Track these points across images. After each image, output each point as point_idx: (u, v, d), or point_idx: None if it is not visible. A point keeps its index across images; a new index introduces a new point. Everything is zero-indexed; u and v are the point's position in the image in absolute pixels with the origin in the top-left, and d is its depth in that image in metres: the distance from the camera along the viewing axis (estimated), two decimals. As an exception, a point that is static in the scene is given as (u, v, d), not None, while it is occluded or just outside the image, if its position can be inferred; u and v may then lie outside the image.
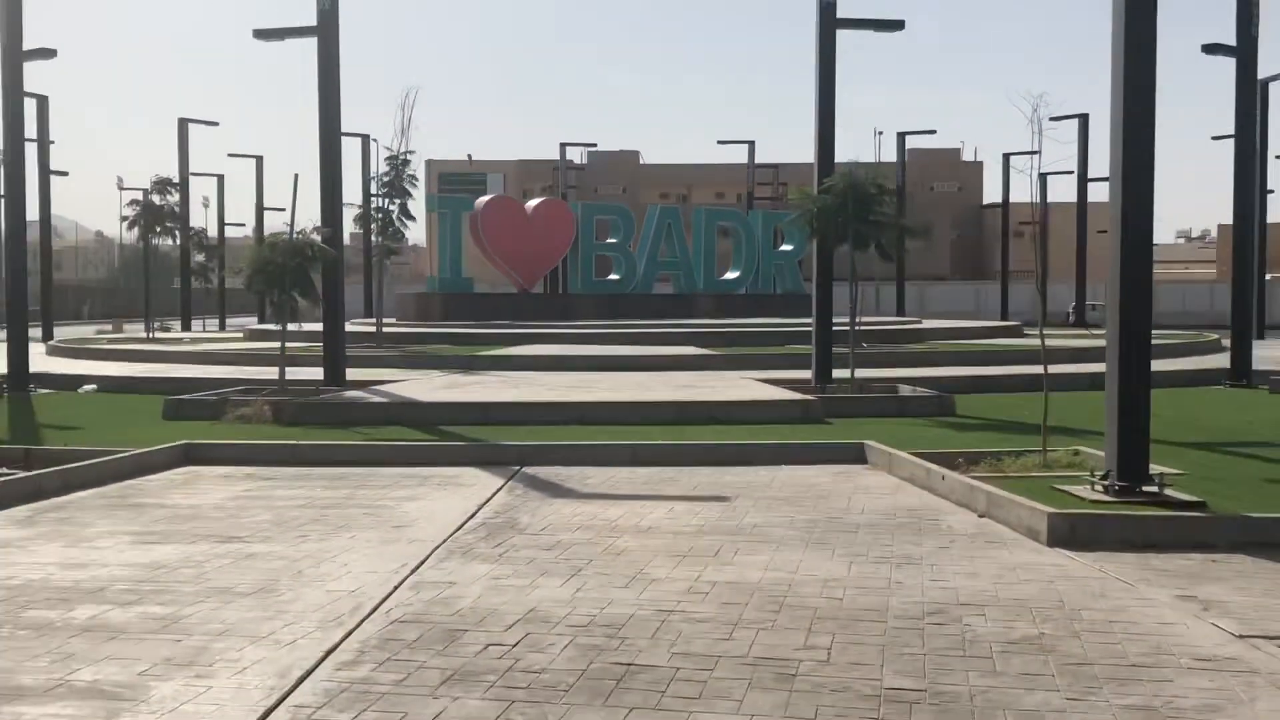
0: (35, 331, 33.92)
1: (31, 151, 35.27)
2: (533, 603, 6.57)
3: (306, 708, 4.91)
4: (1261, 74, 23.90)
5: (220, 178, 51.21)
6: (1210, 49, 20.54)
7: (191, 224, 43.44)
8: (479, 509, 9.55)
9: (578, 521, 8.99)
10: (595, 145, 65.86)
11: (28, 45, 19.79)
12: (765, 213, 40.98)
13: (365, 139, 40.85)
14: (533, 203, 39.41)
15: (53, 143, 38.25)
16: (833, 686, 5.14)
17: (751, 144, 52.47)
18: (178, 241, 40.67)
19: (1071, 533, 8.09)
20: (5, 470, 11.10)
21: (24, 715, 4.82)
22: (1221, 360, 21.81)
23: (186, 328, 43.09)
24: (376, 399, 16.50)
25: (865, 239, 16.75)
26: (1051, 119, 11.73)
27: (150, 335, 34.21)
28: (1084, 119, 40.56)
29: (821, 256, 18.23)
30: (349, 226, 34.43)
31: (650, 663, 5.48)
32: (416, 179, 27.51)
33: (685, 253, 36.87)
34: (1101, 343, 9.73)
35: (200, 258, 43.64)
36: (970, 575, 7.20)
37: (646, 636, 5.90)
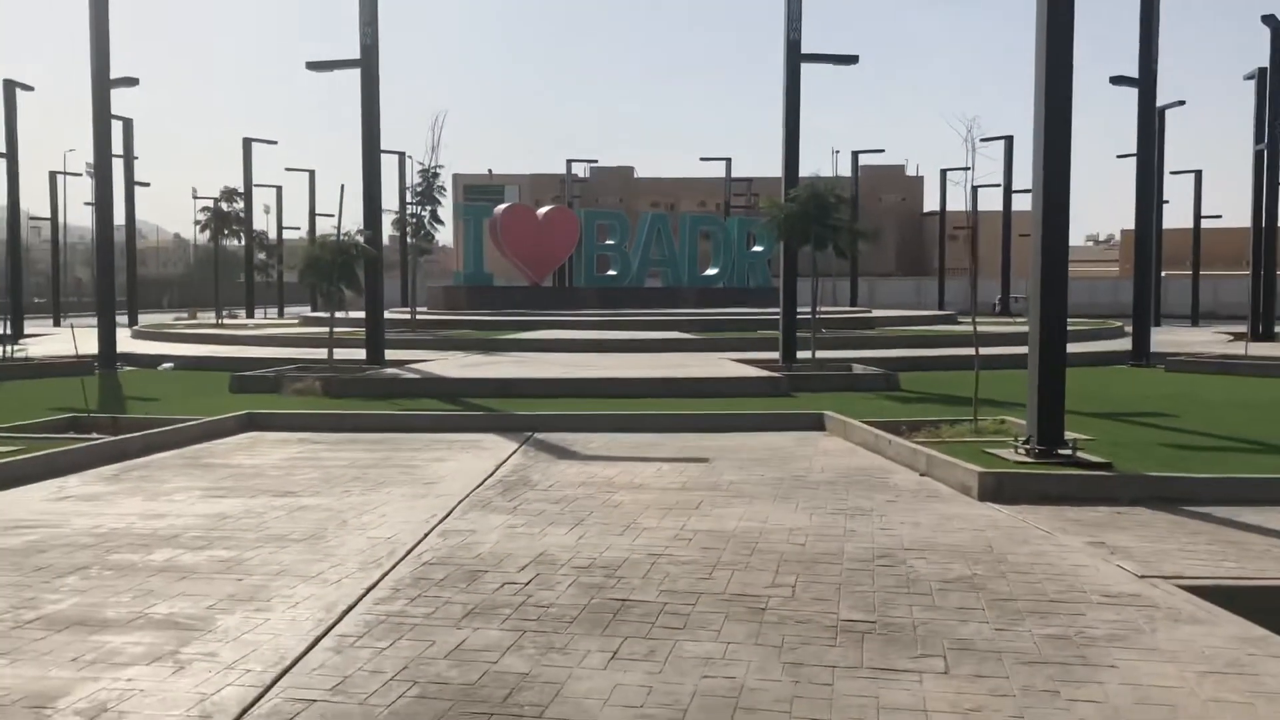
0: (122, 318, 33.81)
1: (119, 167, 35.10)
2: (542, 548, 6.51)
3: (349, 636, 4.85)
4: (1160, 102, 23.80)
5: (279, 188, 50.88)
6: (1116, 80, 20.46)
7: (254, 228, 43.17)
8: (497, 468, 9.48)
9: (580, 479, 8.93)
10: (596, 161, 65.91)
11: (114, 75, 19.61)
12: (740, 219, 40.80)
13: (402, 155, 40.67)
14: (543, 210, 39.23)
15: (136, 158, 38.05)
16: (797, 619, 5.10)
17: (729, 161, 52.38)
18: (242, 242, 40.47)
19: (998, 489, 8.05)
20: (96, 435, 11.02)
21: (109, 643, 4.76)
22: (1124, 344, 21.81)
23: (250, 315, 42.86)
24: (410, 375, 16.41)
25: (824, 240, 16.71)
26: (982, 139, 11.68)
27: (219, 322, 34.05)
28: (1009, 140, 40.49)
29: (788, 255, 18.17)
30: (388, 229, 34.36)
31: (642, 598, 5.43)
32: (445, 189, 27.34)
33: (673, 252, 36.74)
34: (1022, 329, 9.69)
35: (262, 256, 43.44)
36: (913, 525, 7.16)
37: (639, 576, 5.85)
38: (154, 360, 20.48)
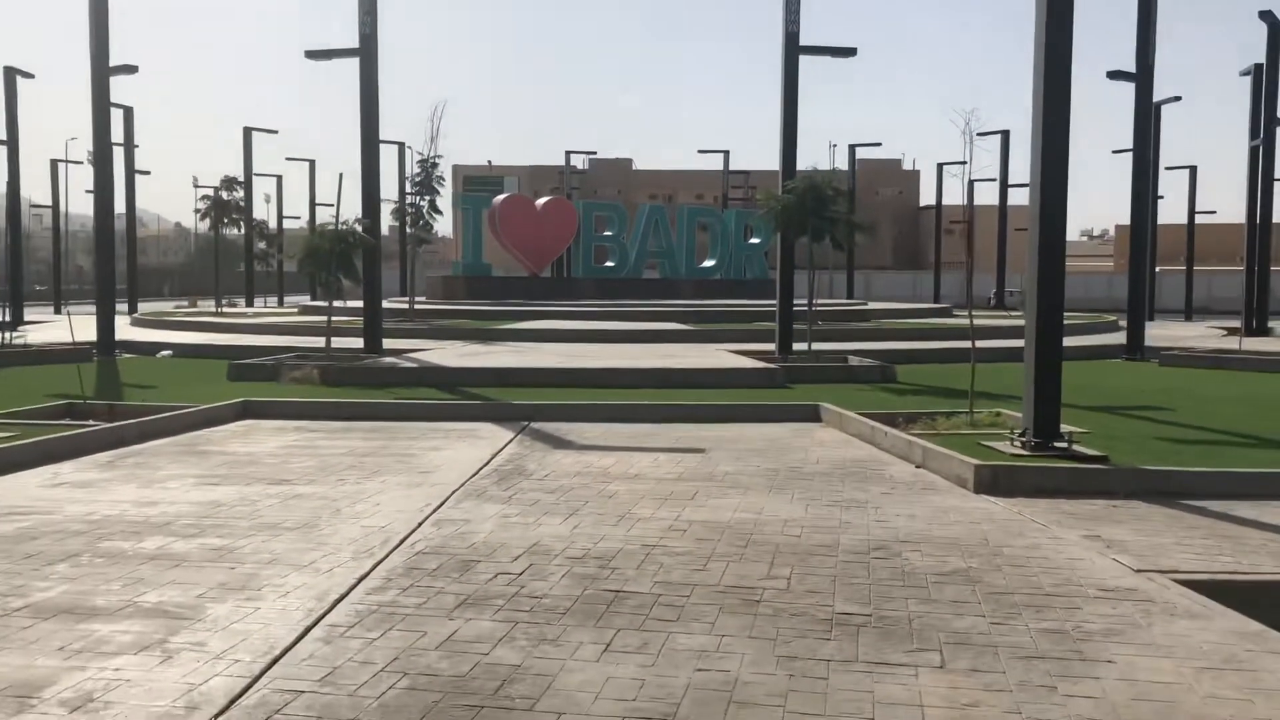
0: (122, 306, 33.68)
1: (120, 155, 34.92)
2: (536, 538, 6.43)
3: (340, 627, 4.77)
4: (1156, 97, 23.68)
5: (279, 178, 50.66)
6: (1114, 75, 20.33)
7: (255, 217, 43.00)
8: (493, 457, 9.39)
9: (576, 469, 8.84)
10: (595, 153, 65.38)
11: (115, 62, 19.46)
12: (737, 211, 40.66)
13: (401, 146, 40.48)
14: (541, 200, 39.09)
15: (137, 146, 37.86)
16: (792, 611, 5.02)
17: (727, 153, 52.22)
18: (242, 231, 40.32)
19: (994, 481, 7.97)
20: (92, 421, 10.92)
21: (97, 631, 4.68)
22: (1118, 338, 21.73)
23: (250, 304, 42.73)
24: (408, 364, 16.32)
25: (821, 232, 16.59)
26: (979, 134, 11.56)
27: (218, 310, 33.92)
28: (1005, 134, 40.43)
29: (784, 247, 18.09)
30: (387, 219, 34.22)
31: (636, 590, 5.35)
32: (444, 179, 27.12)
33: (670, 244, 36.60)
34: (1018, 322, 9.62)
35: (262, 245, 43.27)
36: (909, 517, 7.08)
37: (633, 567, 5.77)
38: (152, 348, 20.37)
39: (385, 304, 20.78)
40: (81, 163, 45.39)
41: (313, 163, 49.41)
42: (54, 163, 42.80)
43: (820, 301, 24.13)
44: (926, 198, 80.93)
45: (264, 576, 5.56)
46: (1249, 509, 7.33)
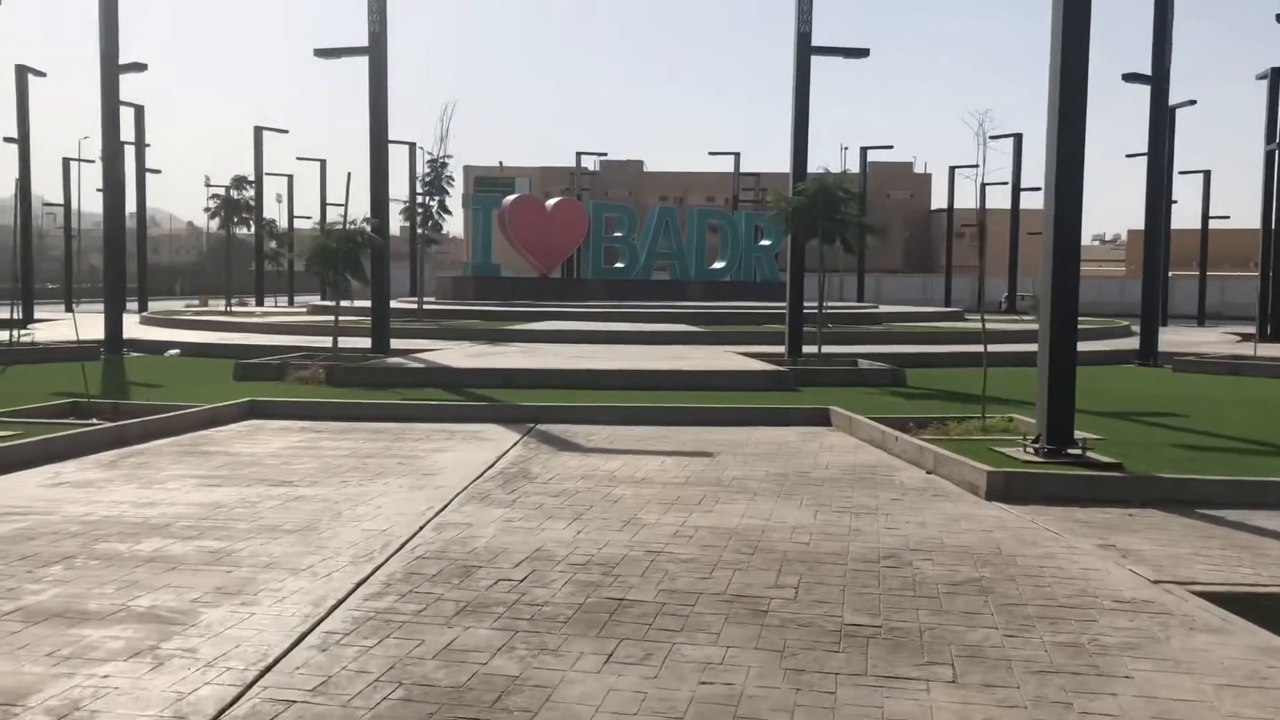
0: (132, 305, 33.70)
1: (131, 154, 34.96)
2: (539, 543, 6.30)
3: (335, 634, 4.65)
4: (1170, 101, 23.45)
5: (290, 177, 50.67)
6: (1129, 78, 20.10)
7: (265, 216, 42.99)
8: (497, 460, 9.27)
9: (581, 472, 8.72)
10: (606, 155, 65.21)
11: (126, 60, 19.44)
12: (748, 213, 40.48)
13: (412, 146, 40.35)
14: (551, 201, 39.01)
15: (148, 145, 37.87)
16: (799, 622, 4.88)
17: (737, 155, 51.97)
18: (253, 230, 40.30)
19: (1007, 488, 7.82)
20: (95, 420, 10.85)
21: (87, 636, 4.57)
22: (1131, 343, 21.51)
23: (260, 303, 42.70)
24: (415, 365, 16.21)
25: (832, 234, 16.45)
26: (992, 136, 11.40)
27: (228, 309, 33.91)
28: (1018, 137, 40.17)
29: (795, 249, 17.93)
30: (398, 219, 34.14)
31: (639, 598, 5.22)
32: (453, 179, 27.11)
33: (680, 246, 36.47)
34: (1030, 326, 9.48)
35: (273, 245, 43.26)
36: (919, 524, 6.93)
37: (637, 574, 5.64)
38: (161, 346, 20.31)
39: (394, 304, 20.71)
40: (93, 161, 45.53)
41: (323, 163, 49.51)
42: (66, 161, 42.91)
43: (830, 304, 23.97)
44: (938, 201, 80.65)
45: (260, 581, 5.45)
46: (1268, 519, 7.18)
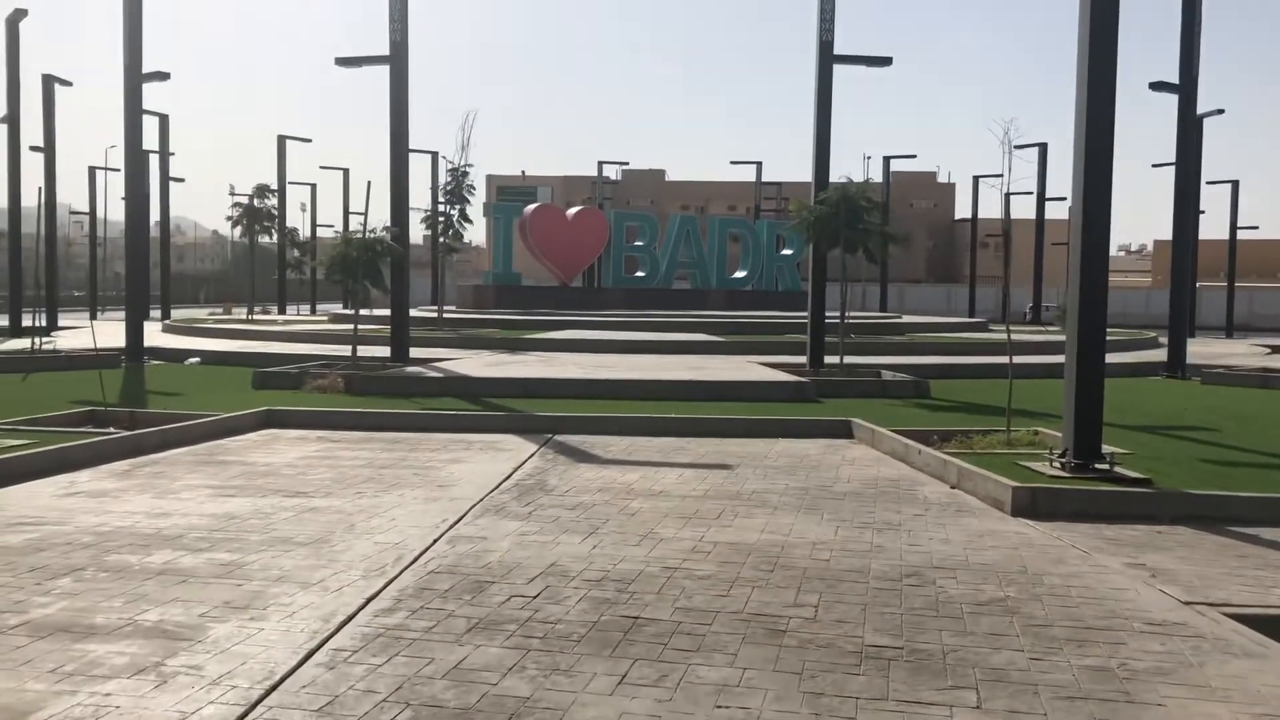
0: (156, 312, 33.86)
1: (155, 163, 35.15)
2: (554, 558, 6.19)
3: (344, 651, 4.56)
4: (1199, 110, 23.17)
5: (313, 186, 50.95)
6: (1156, 86, 19.87)
7: (288, 224, 43.17)
8: (514, 471, 9.18)
9: (598, 484, 8.61)
10: (628, 164, 65.30)
11: (151, 69, 19.54)
12: (769, 222, 40.37)
13: (434, 155, 40.48)
14: (572, 210, 39.02)
15: (173, 154, 38.05)
16: (819, 643, 4.75)
17: (759, 165, 51.89)
18: (275, 239, 40.49)
19: (1033, 504, 7.66)
20: (113, 429, 10.84)
21: (92, 652, 4.49)
22: (1158, 355, 21.23)
23: (282, 311, 42.87)
24: (433, 374, 16.16)
25: (854, 244, 16.31)
26: (1017, 146, 11.23)
27: (249, 317, 34.03)
28: (1043, 147, 39.92)
29: (817, 259, 17.80)
30: (419, 228, 34.18)
31: (655, 616, 5.10)
32: (474, 188, 27.09)
33: (701, 255, 36.39)
34: (1055, 337, 9.32)
35: (296, 253, 43.45)
36: (943, 541, 6.78)
37: (653, 592, 5.52)
38: (181, 355, 20.36)
39: (415, 312, 20.70)
40: (119, 170, 45.93)
41: (346, 171, 49.69)
42: (91, 170, 43.25)
43: (853, 314, 23.80)
44: (961, 211, 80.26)
45: (270, 595, 5.36)
46: (1303, 537, 6.98)
